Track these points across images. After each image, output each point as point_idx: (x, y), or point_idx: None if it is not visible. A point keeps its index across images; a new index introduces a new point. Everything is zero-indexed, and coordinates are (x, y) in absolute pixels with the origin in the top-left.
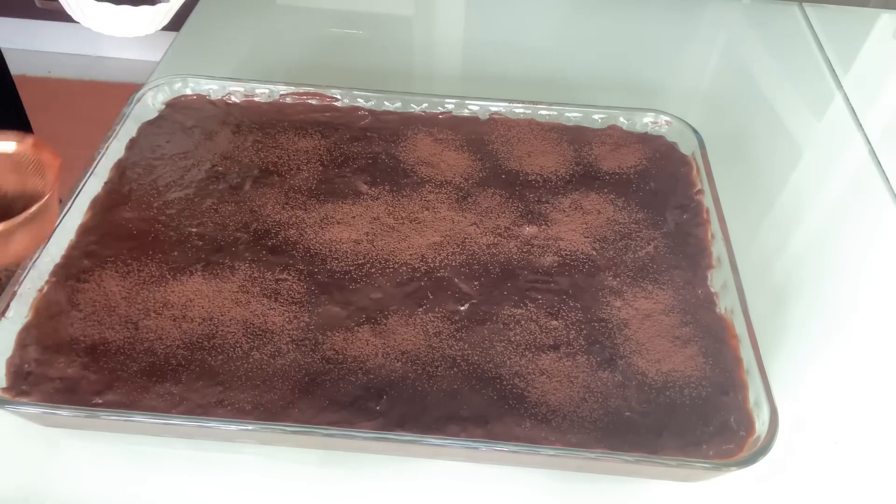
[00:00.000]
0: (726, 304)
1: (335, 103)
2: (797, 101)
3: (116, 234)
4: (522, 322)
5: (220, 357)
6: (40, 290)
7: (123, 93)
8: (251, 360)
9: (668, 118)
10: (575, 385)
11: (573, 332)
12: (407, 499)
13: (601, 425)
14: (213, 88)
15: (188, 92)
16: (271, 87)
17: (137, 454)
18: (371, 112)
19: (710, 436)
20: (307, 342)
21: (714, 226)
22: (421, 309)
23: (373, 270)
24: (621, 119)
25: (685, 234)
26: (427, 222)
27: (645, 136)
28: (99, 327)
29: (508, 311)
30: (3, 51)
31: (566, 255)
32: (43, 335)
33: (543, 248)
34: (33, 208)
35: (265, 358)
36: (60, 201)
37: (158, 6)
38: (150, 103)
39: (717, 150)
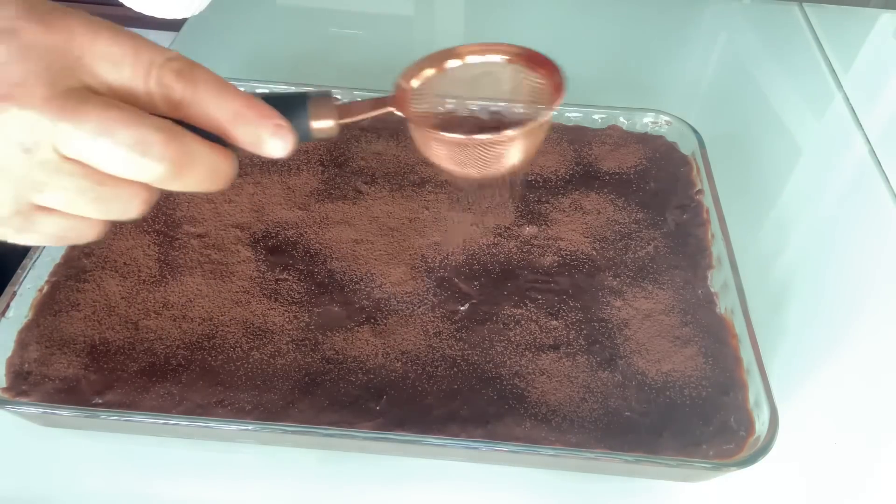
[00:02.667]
0: (726, 304)
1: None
2: (797, 101)
3: (116, 234)
4: (522, 322)
5: (220, 357)
6: (40, 290)
7: None
8: (251, 360)
9: (668, 118)
10: (575, 385)
11: (573, 332)
12: (407, 499)
13: (601, 425)
14: None
15: None
16: (271, 87)
17: (137, 454)
18: None
19: (710, 436)
20: (307, 342)
21: (714, 226)
22: (421, 309)
23: (373, 270)
24: (621, 119)
25: (685, 234)
26: (427, 222)
27: (645, 136)
28: (99, 327)
29: (508, 311)
30: None
31: (566, 255)
32: (43, 335)
33: (543, 248)
34: (537, 121)
35: (265, 358)
36: None
37: None
38: None
39: (717, 150)
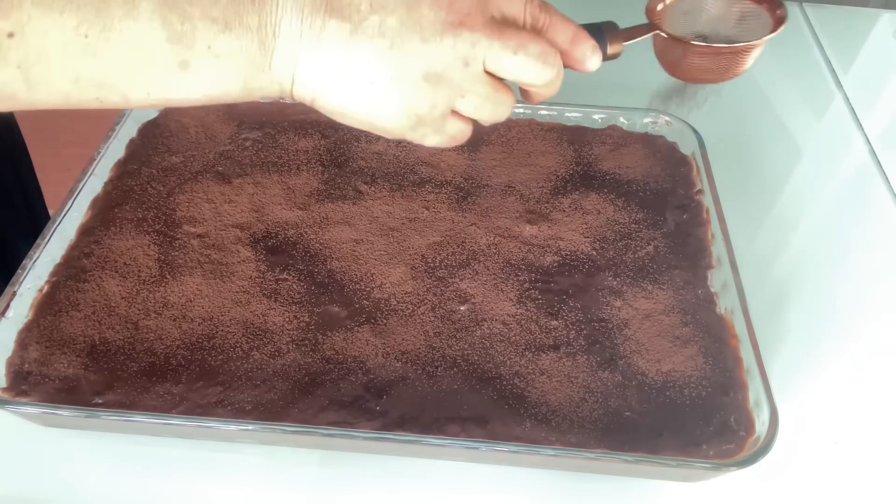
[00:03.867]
0: (726, 304)
1: None
2: (797, 101)
3: (116, 234)
4: (522, 322)
5: (220, 357)
6: (40, 290)
7: None
8: (251, 360)
9: (668, 118)
10: (575, 385)
11: (573, 332)
12: (407, 499)
13: (601, 425)
14: None
15: None
16: None
17: (137, 454)
18: None
19: (710, 436)
20: (307, 342)
21: (714, 226)
22: (421, 309)
23: (373, 270)
24: (621, 119)
25: (685, 234)
26: (427, 222)
27: (645, 136)
28: (99, 327)
29: (508, 311)
30: None
31: (566, 255)
32: (43, 335)
33: (543, 248)
34: (765, 36)
35: (265, 358)
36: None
37: None
38: None
39: (717, 150)
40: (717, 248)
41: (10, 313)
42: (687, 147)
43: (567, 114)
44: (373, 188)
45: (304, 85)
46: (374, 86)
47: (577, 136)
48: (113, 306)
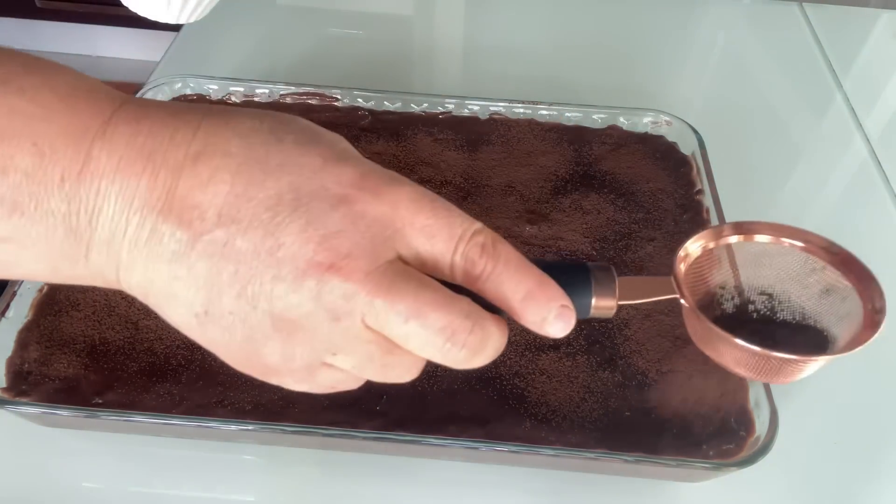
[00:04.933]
0: None
1: (335, 103)
2: (797, 101)
3: None
4: None
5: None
6: (40, 290)
7: (124, 92)
8: None
9: (668, 118)
10: (575, 385)
11: (573, 332)
12: (407, 499)
13: (601, 425)
14: (213, 88)
15: (188, 92)
16: (271, 87)
17: (137, 454)
18: (371, 112)
19: (710, 436)
20: None
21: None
22: None
23: None
24: (621, 119)
25: (685, 234)
26: None
27: (645, 136)
28: (99, 327)
29: None
30: None
31: (566, 255)
32: (43, 335)
33: (543, 248)
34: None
35: None
36: None
37: None
38: None
39: (717, 150)
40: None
41: (10, 313)
42: (687, 147)
43: (567, 114)
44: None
45: (132, 288)
46: (210, 317)
47: (577, 136)
48: (113, 306)
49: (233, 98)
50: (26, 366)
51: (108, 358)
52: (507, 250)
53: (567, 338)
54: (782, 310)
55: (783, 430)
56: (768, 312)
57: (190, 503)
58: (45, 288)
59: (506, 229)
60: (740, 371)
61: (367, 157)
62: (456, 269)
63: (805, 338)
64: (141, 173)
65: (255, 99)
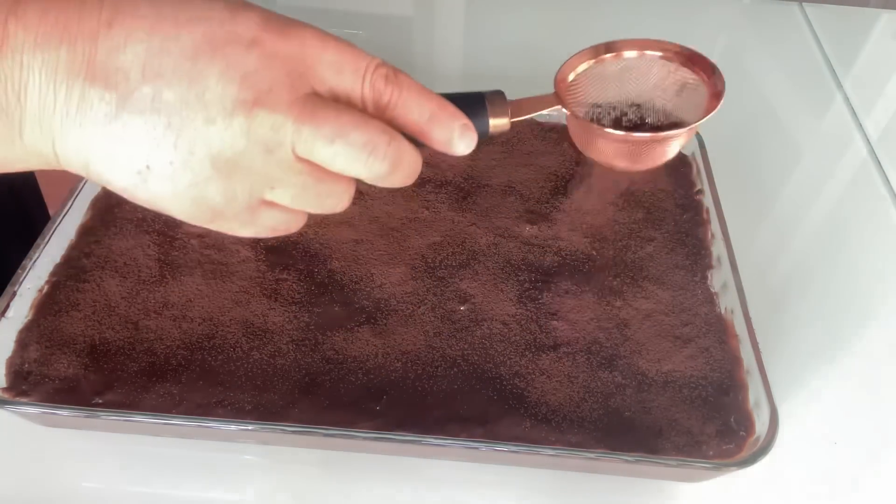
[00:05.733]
0: (726, 304)
1: None
2: (797, 101)
3: (116, 234)
4: (522, 322)
5: (220, 357)
6: (40, 290)
7: None
8: (251, 360)
9: None
10: (575, 385)
11: (573, 331)
12: (407, 499)
13: (601, 425)
14: None
15: None
16: None
17: (137, 454)
18: None
19: (710, 436)
20: (307, 342)
21: (714, 226)
22: (421, 309)
23: (373, 270)
24: None
25: (685, 234)
26: (427, 222)
27: None
28: (99, 327)
29: (508, 311)
30: None
31: (566, 255)
32: (43, 335)
33: (543, 248)
34: (694, 123)
35: (265, 358)
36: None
37: None
38: None
39: (717, 150)
40: (717, 248)
41: (10, 313)
42: (687, 147)
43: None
44: (373, 188)
45: (70, 162)
46: (153, 171)
47: None
48: (113, 306)
49: None
50: (26, 366)
51: (108, 358)
52: (408, 80)
53: (567, 338)
54: (649, 112)
55: (783, 430)
56: (638, 117)
57: (190, 503)
58: (46, 288)
59: (506, 229)
60: (619, 163)
61: None
62: (366, 100)
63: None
64: (59, 45)
65: None
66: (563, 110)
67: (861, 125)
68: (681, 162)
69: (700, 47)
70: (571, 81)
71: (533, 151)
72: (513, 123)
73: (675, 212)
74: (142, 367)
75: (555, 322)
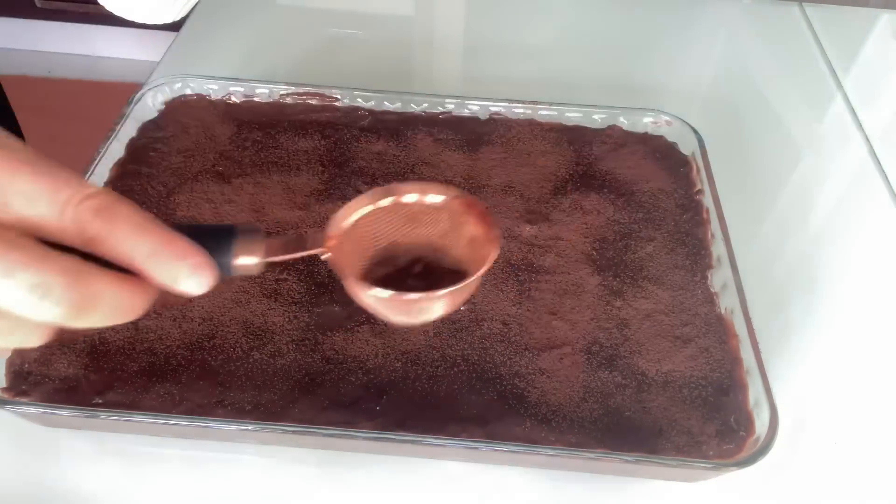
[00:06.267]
0: (726, 304)
1: (335, 103)
2: (797, 101)
3: None
4: (522, 322)
5: (220, 357)
6: None
7: (123, 93)
8: (251, 360)
9: (668, 118)
10: (575, 385)
11: (573, 332)
12: (407, 499)
13: (601, 425)
14: (213, 88)
15: (188, 92)
16: (271, 87)
17: (137, 454)
18: (371, 112)
19: (710, 436)
20: (307, 342)
21: (714, 226)
22: None
23: None
24: (621, 119)
25: (685, 234)
26: None
27: (645, 136)
28: (99, 327)
29: (508, 311)
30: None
31: (566, 255)
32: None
33: (543, 248)
34: (479, 273)
35: (265, 358)
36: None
37: None
38: (150, 103)
39: (717, 150)
40: (717, 248)
41: None
42: (687, 147)
43: (567, 114)
44: (373, 188)
45: None
46: None
47: (577, 136)
48: None
49: (233, 98)
50: (26, 366)
51: (108, 358)
52: (126, 211)
53: (567, 338)
54: (431, 258)
55: (783, 430)
56: (421, 264)
57: (190, 503)
58: None
59: (506, 229)
60: (397, 318)
61: (366, 158)
62: (68, 231)
63: (453, 278)
64: None
65: (255, 99)
66: (324, 257)
67: (861, 125)
68: (681, 162)
69: (700, 47)
70: (347, 229)
71: (533, 151)
72: (272, 262)
73: (675, 212)
74: (142, 367)
75: (555, 322)
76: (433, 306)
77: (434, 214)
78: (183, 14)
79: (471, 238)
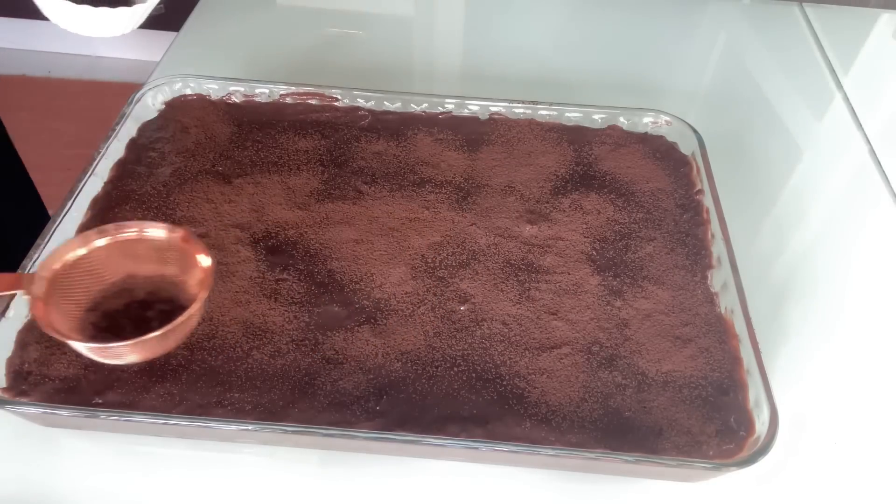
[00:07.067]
0: (726, 304)
1: (335, 103)
2: (797, 101)
3: None
4: (522, 322)
5: (220, 357)
6: None
7: (123, 93)
8: (251, 360)
9: (668, 118)
10: (575, 385)
11: (573, 332)
12: (407, 499)
13: (601, 425)
14: (213, 88)
15: (188, 92)
16: (271, 87)
17: (137, 454)
18: (371, 112)
19: (710, 436)
20: (307, 342)
21: (714, 226)
22: (421, 309)
23: (373, 270)
24: (621, 119)
25: (685, 234)
26: (427, 222)
27: (645, 136)
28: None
29: (508, 311)
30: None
31: (566, 255)
32: (43, 335)
33: (543, 248)
34: (191, 309)
35: (265, 358)
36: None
37: (135, 7)
38: (150, 103)
39: (717, 150)
40: (717, 248)
41: (10, 313)
42: (687, 147)
43: (567, 114)
44: (373, 188)
45: None
46: None
47: (577, 136)
48: None
49: (233, 98)
50: (26, 366)
51: None
52: None
53: (567, 338)
54: (171, 292)
55: (783, 430)
56: (141, 301)
57: (190, 503)
58: None
59: (506, 229)
60: (109, 360)
61: (366, 157)
62: None
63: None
64: None
65: (255, 99)
66: (25, 297)
67: (861, 125)
68: (681, 162)
69: (700, 47)
70: (61, 271)
71: (533, 151)
72: None
73: (675, 212)
74: (142, 367)
75: (555, 322)
76: (133, 352)
77: (160, 251)
78: (135, 27)
79: (195, 273)
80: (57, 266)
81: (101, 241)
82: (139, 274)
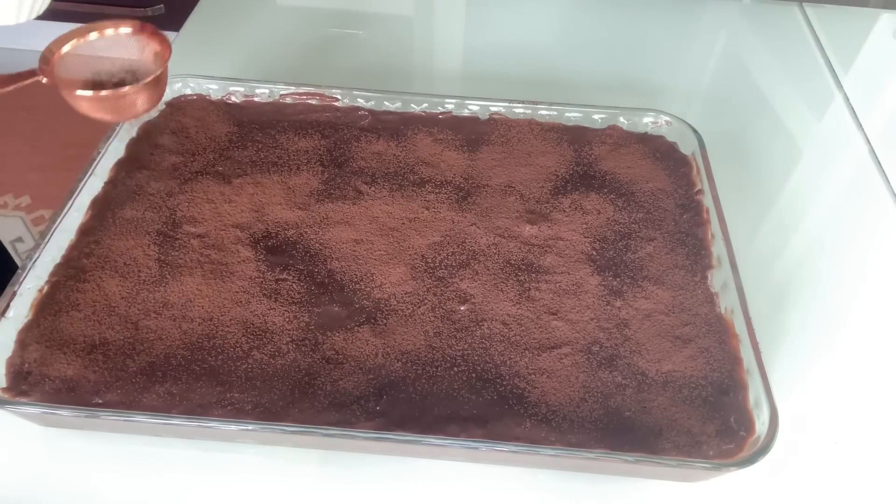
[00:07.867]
0: (726, 304)
1: (335, 103)
2: (797, 101)
3: (116, 234)
4: (522, 322)
5: (220, 357)
6: (40, 290)
7: None
8: (251, 360)
9: (668, 118)
10: (575, 385)
11: (573, 332)
12: (407, 499)
13: (601, 425)
14: (213, 88)
15: (188, 92)
16: (271, 87)
17: (137, 454)
18: (371, 112)
19: (710, 436)
20: (307, 342)
21: (714, 226)
22: (421, 309)
23: (373, 270)
24: (621, 119)
25: (685, 234)
26: (427, 222)
27: (645, 136)
28: (99, 327)
29: (508, 311)
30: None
31: (566, 255)
32: (43, 335)
33: (543, 248)
34: (153, 76)
35: (265, 358)
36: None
37: None
38: None
39: (717, 150)
40: (717, 248)
41: (10, 313)
42: (687, 147)
43: (567, 114)
44: (373, 188)
45: None
46: None
47: (577, 136)
48: (113, 306)
49: (233, 98)
50: (26, 366)
51: (108, 358)
52: None
53: (567, 338)
54: (124, 75)
55: (783, 430)
56: (117, 80)
57: (190, 503)
58: (46, 288)
59: (506, 229)
60: (100, 115)
61: (366, 157)
62: None
63: None
64: None
65: (256, 99)
66: (44, 80)
67: (861, 125)
68: (681, 162)
69: (700, 47)
70: (62, 55)
71: (533, 151)
72: None
73: (675, 212)
74: (142, 367)
75: (555, 322)
76: (126, 101)
77: (126, 42)
78: (32, 16)
79: (155, 54)
80: (58, 54)
81: (93, 35)
82: (119, 63)
